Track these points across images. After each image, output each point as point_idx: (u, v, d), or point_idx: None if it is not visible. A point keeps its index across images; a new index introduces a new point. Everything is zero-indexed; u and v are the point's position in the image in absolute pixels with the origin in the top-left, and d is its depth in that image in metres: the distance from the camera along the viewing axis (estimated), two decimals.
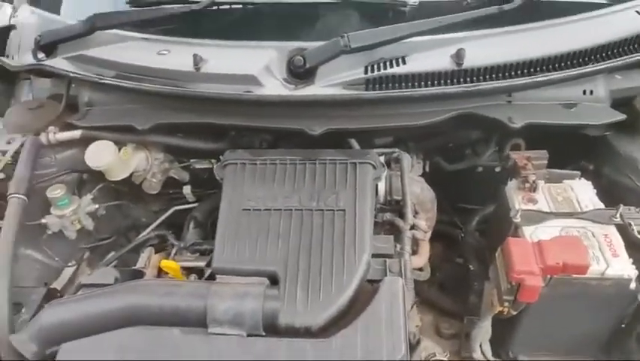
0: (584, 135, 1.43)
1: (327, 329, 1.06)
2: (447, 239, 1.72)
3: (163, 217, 1.69)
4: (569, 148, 1.46)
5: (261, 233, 1.19)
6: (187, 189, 1.75)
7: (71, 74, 1.45)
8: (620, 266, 1.08)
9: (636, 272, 1.09)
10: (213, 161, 1.70)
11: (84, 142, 1.49)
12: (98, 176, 1.56)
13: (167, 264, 1.27)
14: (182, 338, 1.05)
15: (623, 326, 1.20)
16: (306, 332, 1.06)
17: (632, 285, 1.09)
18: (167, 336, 1.05)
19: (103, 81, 1.41)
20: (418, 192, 1.42)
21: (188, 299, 1.10)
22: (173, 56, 1.41)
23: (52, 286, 1.45)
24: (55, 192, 1.45)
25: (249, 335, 1.06)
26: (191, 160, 1.71)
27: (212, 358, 1.01)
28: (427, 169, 1.62)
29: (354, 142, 1.45)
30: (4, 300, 1.18)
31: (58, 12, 1.70)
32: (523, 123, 1.32)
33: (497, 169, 1.60)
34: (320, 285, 1.10)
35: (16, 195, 1.32)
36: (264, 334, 1.06)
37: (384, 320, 1.03)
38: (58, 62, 1.49)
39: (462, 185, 1.67)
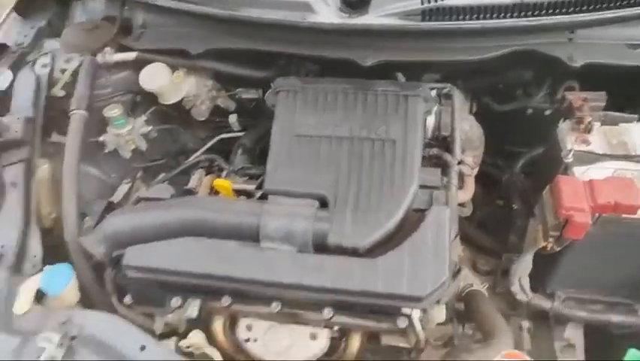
0: None
1: (374, 251, 1.11)
2: (488, 180, 1.72)
3: (210, 144, 1.73)
4: (629, 93, 1.41)
5: (312, 158, 1.22)
6: (233, 118, 1.79)
7: None
8: None
9: None
10: (259, 91, 1.73)
11: (138, 64, 1.53)
12: (151, 98, 1.61)
13: (220, 183, 1.33)
14: (238, 250, 1.12)
15: None
16: (354, 253, 1.11)
17: None
18: (223, 247, 1.12)
19: (156, 3, 1.41)
20: (467, 128, 1.42)
21: (242, 215, 1.16)
22: None
23: (110, 200, 1.54)
24: (113, 111, 1.51)
25: (298, 252, 1.12)
26: (238, 89, 1.74)
27: (266, 268, 1.07)
28: (475, 109, 1.61)
29: (400, 76, 1.45)
30: (73, 208, 1.27)
31: None
32: (583, 62, 1.28)
33: (547, 112, 1.57)
34: (368, 209, 1.14)
35: (78, 111, 1.38)
36: (312, 252, 1.12)
37: (430, 245, 1.07)
38: None
39: (509, 126, 1.64)
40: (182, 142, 1.86)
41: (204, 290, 1.17)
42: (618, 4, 1.29)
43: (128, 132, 1.57)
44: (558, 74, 1.47)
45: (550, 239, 1.14)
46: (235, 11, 1.39)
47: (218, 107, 1.75)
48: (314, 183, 1.20)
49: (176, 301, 1.17)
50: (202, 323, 1.19)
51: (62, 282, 1.18)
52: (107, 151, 1.59)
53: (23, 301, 1.15)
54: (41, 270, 1.20)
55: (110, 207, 1.47)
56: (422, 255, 1.06)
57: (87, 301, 1.24)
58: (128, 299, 1.21)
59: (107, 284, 1.22)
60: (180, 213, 1.18)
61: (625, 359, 1.03)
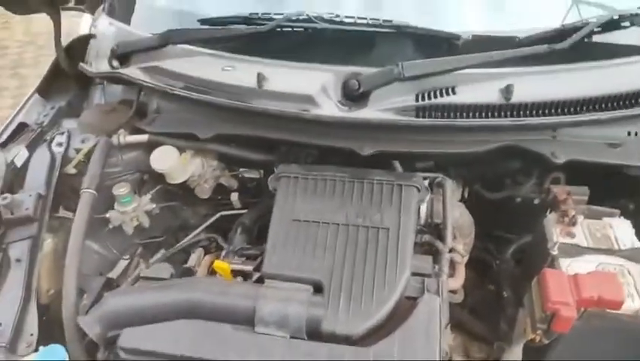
0: (625, 174, 1.46)
1: (366, 339, 1.13)
2: (480, 265, 1.76)
3: (210, 221, 1.79)
4: (610, 186, 1.49)
5: (309, 244, 1.28)
6: (234, 196, 1.85)
7: (145, 84, 1.58)
8: None
9: None
10: (261, 171, 1.82)
11: (149, 146, 1.62)
12: (158, 178, 1.69)
13: (220, 265, 1.37)
14: (232, 334, 1.14)
15: None
16: (346, 340, 1.13)
17: None
18: (219, 330, 1.14)
19: (175, 92, 1.53)
20: (458, 216, 1.48)
21: (239, 299, 1.19)
22: (237, 72, 1.53)
23: (109, 276, 1.57)
24: (121, 189, 1.58)
25: (291, 338, 1.14)
26: (241, 169, 1.82)
27: (259, 355, 1.09)
28: (466, 196, 1.68)
29: (397, 164, 1.53)
30: (73, 286, 1.30)
31: (128, 22, 1.86)
32: (566, 159, 1.37)
33: (536, 201, 1.63)
34: (362, 297, 1.17)
35: (89, 190, 1.45)
36: (305, 338, 1.14)
37: (421, 333, 1.09)
38: (133, 72, 1.63)
39: (499, 213, 1.70)
40: (182, 218, 1.92)
41: None
42: (597, 107, 1.40)
43: (133, 209, 1.63)
44: (544, 167, 1.56)
45: (539, 331, 1.16)
46: (243, 102, 1.50)
47: (220, 185, 1.82)
48: (310, 268, 1.24)
49: None
50: None
51: None
52: (110, 227, 1.64)
53: None
54: (36, 350, 1.21)
55: (108, 284, 1.50)
56: (413, 344, 1.08)
57: None
58: None
59: None
60: (178, 294, 1.21)
61: None
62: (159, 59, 1.63)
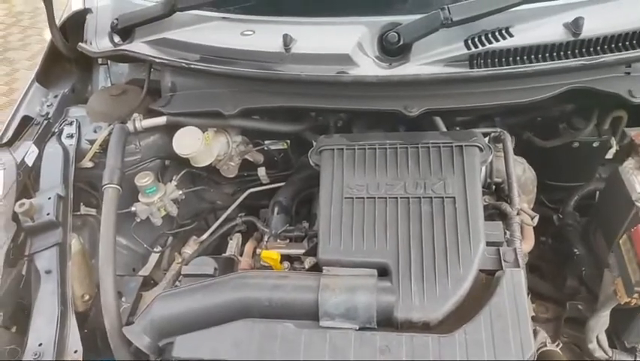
0: None
1: (445, 323, 1.02)
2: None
3: (240, 199, 1.66)
4: None
5: (367, 223, 1.14)
6: (262, 171, 1.72)
7: (157, 60, 1.41)
8: None
9: None
10: (287, 141, 1.67)
11: (168, 128, 1.47)
12: (181, 162, 1.55)
13: (269, 255, 1.25)
14: (297, 332, 1.03)
15: None
16: (424, 327, 1.02)
17: None
18: (282, 330, 1.03)
19: (190, 66, 1.36)
20: (520, 173, 1.35)
21: (297, 292, 1.08)
22: (258, 36, 1.35)
23: (145, 275, 1.47)
24: (144, 180, 1.45)
25: (360, 329, 1.03)
26: (267, 142, 1.67)
27: (333, 352, 0.98)
28: (513, 146, 1.53)
29: (439, 120, 1.38)
30: (112, 296, 1.18)
31: None
32: None
33: (595, 144, 1.50)
34: (435, 276, 1.05)
35: (112, 186, 1.31)
36: (376, 327, 1.03)
37: (509, 313, 0.98)
38: (140, 47, 1.45)
39: (555, 162, 1.57)
40: (209, 200, 1.79)
41: None
42: None
43: (159, 199, 1.50)
44: (605, 105, 1.40)
45: (636, 295, 1.05)
46: (272, 70, 1.33)
47: (245, 160, 1.68)
48: (371, 250, 1.12)
49: None
50: None
51: None
52: (138, 220, 1.51)
53: None
54: None
55: (145, 283, 1.40)
56: (502, 325, 0.97)
57: None
58: None
59: None
60: (231, 293, 1.10)
61: None
62: (167, 29, 1.45)
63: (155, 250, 1.63)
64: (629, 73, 1.28)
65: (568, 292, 1.45)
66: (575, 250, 1.41)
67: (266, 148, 1.69)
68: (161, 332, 1.10)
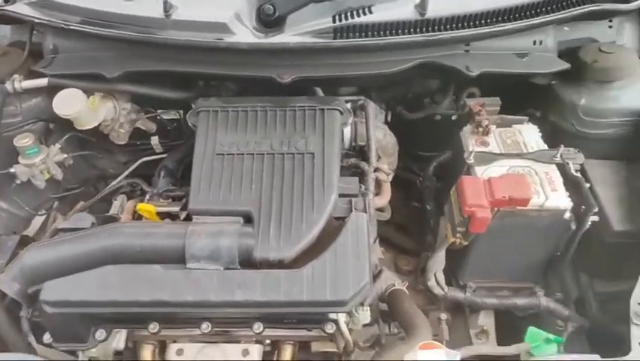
0: (532, 84, 1.54)
1: (299, 261, 1.15)
2: (406, 185, 1.83)
3: (132, 168, 1.71)
4: (519, 96, 1.57)
5: (235, 176, 1.25)
6: (155, 140, 1.77)
7: (36, 20, 1.42)
8: (557, 199, 1.22)
9: (571, 204, 1.23)
10: (180, 111, 1.73)
11: (50, 90, 1.49)
12: (66, 125, 1.57)
13: (144, 207, 1.32)
14: (163, 273, 1.11)
15: (558, 254, 1.35)
16: (280, 265, 1.14)
17: (567, 215, 1.24)
18: (149, 272, 1.11)
19: (69, 27, 1.39)
20: (381, 137, 1.51)
21: (167, 239, 1.16)
22: (140, 1, 1.41)
23: (24, 234, 1.48)
24: (24, 140, 1.46)
25: (225, 270, 1.14)
26: (159, 111, 1.73)
27: (195, 289, 1.08)
28: (389, 119, 1.72)
29: (319, 90, 1.52)
30: None
31: None
32: (479, 71, 1.42)
33: (454, 117, 1.70)
34: (291, 222, 1.18)
35: None
36: (239, 268, 1.15)
37: (350, 250, 1.13)
38: (21, 8, 1.46)
39: (421, 133, 1.77)
40: (101, 168, 1.82)
41: (130, 319, 1.15)
42: (505, 18, 1.44)
43: (41, 161, 1.51)
44: (460, 83, 1.61)
45: (458, 235, 1.24)
46: (151, 34, 1.39)
47: (138, 129, 1.72)
48: (237, 200, 1.23)
49: (100, 334, 1.15)
50: (130, 353, 1.18)
51: None
52: (18, 182, 1.52)
53: None
54: None
55: (24, 242, 1.40)
56: (343, 260, 1.11)
57: (3, 344, 1.18)
58: (47, 338, 1.15)
59: (23, 324, 1.17)
60: (102, 241, 1.16)
61: (525, 337, 1.14)
62: None
63: (39, 213, 1.63)
64: (467, 51, 1.48)
65: (427, 246, 1.64)
66: (427, 207, 1.61)
67: (158, 117, 1.74)
68: (31, 279, 1.14)
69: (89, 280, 1.10)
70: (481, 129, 1.39)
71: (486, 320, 1.42)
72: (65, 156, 1.60)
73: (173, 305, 1.09)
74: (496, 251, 1.33)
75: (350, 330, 1.17)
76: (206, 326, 1.13)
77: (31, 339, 1.16)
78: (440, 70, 1.45)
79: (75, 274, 1.11)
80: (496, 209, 1.19)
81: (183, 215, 1.38)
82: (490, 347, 1.32)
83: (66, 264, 1.14)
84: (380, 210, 1.50)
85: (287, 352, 1.20)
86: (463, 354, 1.08)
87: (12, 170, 1.48)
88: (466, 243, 1.26)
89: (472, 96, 1.63)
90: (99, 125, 1.59)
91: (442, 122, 1.72)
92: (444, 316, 1.42)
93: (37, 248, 1.19)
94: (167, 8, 1.36)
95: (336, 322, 1.13)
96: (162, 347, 1.20)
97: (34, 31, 1.54)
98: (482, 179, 1.22)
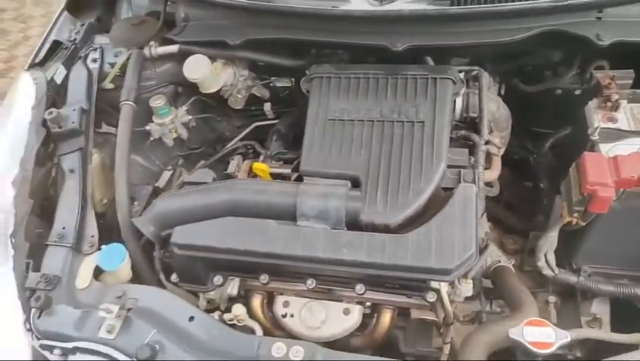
0: None
1: (404, 228, 1.18)
2: (516, 163, 1.75)
3: (246, 131, 1.83)
4: None
5: (345, 141, 1.30)
6: (267, 106, 1.87)
7: None
8: None
9: None
10: (292, 79, 1.81)
11: (181, 56, 1.62)
12: (191, 89, 1.71)
13: (259, 166, 1.42)
14: (276, 227, 1.20)
15: None
16: (385, 229, 1.17)
17: None
18: (263, 225, 1.21)
19: None
20: (494, 109, 1.46)
21: (279, 196, 1.24)
22: None
23: (155, 185, 1.66)
24: (157, 101, 1.62)
25: (332, 229, 1.19)
26: (272, 78, 1.82)
27: (304, 244, 1.15)
28: (503, 92, 1.64)
29: (429, 60, 1.49)
30: (125, 193, 1.39)
31: None
32: (611, 41, 1.30)
33: (577, 92, 1.58)
34: (398, 188, 1.20)
35: (127, 103, 1.50)
36: (345, 229, 1.19)
37: (457, 220, 1.12)
38: None
39: (538, 108, 1.67)
40: (219, 130, 1.96)
41: (244, 268, 1.26)
42: None
43: (171, 121, 1.67)
44: (587, 54, 1.49)
45: (576, 214, 1.18)
46: (269, 2, 1.46)
47: (253, 95, 1.83)
48: (347, 164, 1.27)
49: (217, 279, 1.27)
50: (242, 300, 1.29)
51: (117, 260, 1.27)
52: (151, 139, 1.70)
53: (84, 276, 1.27)
54: (98, 249, 1.31)
55: (156, 192, 1.58)
56: (450, 229, 1.11)
57: (138, 278, 1.34)
58: (174, 277, 1.30)
59: (156, 263, 1.33)
60: (222, 195, 1.27)
61: None
62: None
63: (167, 168, 1.82)
64: (600, 18, 1.36)
65: (537, 225, 1.57)
66: (541, 185, 1.53)
67: (272, 84, 1.84)
68: (164, 223, 1.30)
69: (211, 229, 1.22)
70: (609, 104, 1.29)
71: (600, 308, 1.33)
72: (190, 117, 1.75)
73: (283, 258, 1.17)
74: (617, 235, 1.24)
75: (451, 301, 1.17)
76: (311, 282, 1.20)
77: (162, 277, 1.32)
78: (566, 39, 1.35)
79: (201, 222, 1.24)
80: (622, 190, 1.11)
81: (294, 176, 1.46)
82: (604, 333, 1.24)
83: (192, 213, 1.27)
84: (489, 184, 1.46)
85: (386, 316, 1.24)
86: (573, 336, 1.04)
87: (147, 127, 1.66)
88: (583, 223, 1.19)
89: (600, 69, 1.50)
90: (220, 89, 1.71)
91: (563, 97, 1.61)
92: (552, 298, 1.36)
93: (168, 197, 1.34)
94: None
95: (437, 291, 1.15)
96: (270, 298, 1.30)
97: (169, 2, 1.68)
98: (607, 157, 1.14)
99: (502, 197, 1.64)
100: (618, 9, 1.35)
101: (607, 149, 1.21)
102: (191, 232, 1.23)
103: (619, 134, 1.23)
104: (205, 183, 1.38)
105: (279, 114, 1.87)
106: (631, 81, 1.35)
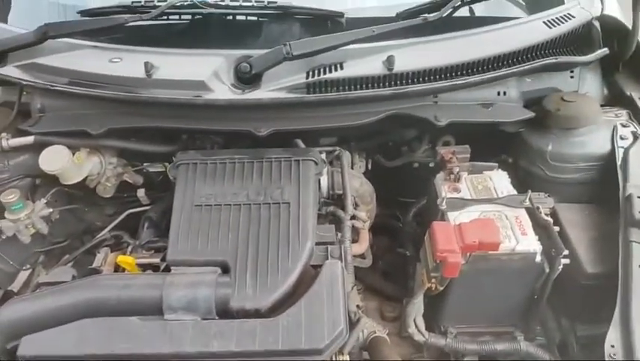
0: (503, 132, 1.61)
1: (275, 310, 1.17)
2: (391, 231, 1.86)
3: (117, 220, 1.74)
4: (491, 144, 1.64)
5: (212, 226, 1.29)
6: (141, 192, 1.81)
7: (24, 82, 1.50)
8: (527, 243, 1.25)
9: (541, 247, 1.26)
10: (166, 164, 1.78)
11: (37, 148, 1.53)
12: (52, 180, 1.60)
13: (124, 259, 1.34)
14: (140, 325, 1.12)
15: (535, 297, 1.37)
16: (256, 314, 1.16)
17: (538, 258, 1.26)
18: (126, 324, 1.13)
19: (56, 88, 1.46)
20: (358, 186, 1.56)
21: (144, 290, 1.18)
22: (125, 63, 1.49)
23: (8, 289, 1.49)
24: (9, 196, 1.49)
25: (203, 320, 1.15)
26: (145, 164, 1.78)
27: (171, 341, 1.09)
28: (370, 167, 1.77)
29: (299, 142, 1.58)
30: None
31: (5, 20, 1.75)
32: (447, 121, 1.49)
33: (431, 165, 1.75)
34: (267, 270, 1.21)
35: None
36: (217, 318, 1.16)
37: (325, 297, 1.14)
38: (11, 70, 1.53)
39: (401, 180, 1.82)
40: (88, 221, 1.84)
41: None
42: (469, 71, 1.52)
43: (26, 216, 1.54)
44: (433, 132, 1.67)
45: (433, 280, 1.26)
46: (133, 93, 1.46)
47: (125, 182, 1.77)
48: (215, 250, 1.25)
49: None
50: None
51: None
52: (4, 237, 1.54)
53: None
54: None
55: (7, 297, 1.42)
56: (318, 308, 1.13)
57: None
58: None
59: None
60: (80, 294, 1.18)
61: None
62: (38, 55, 1.54)
63: (24, 268, 1.65)
64: (436, 102, 1.56)
65: (409, 291, 1.65)
66: (407, 253, 1.63)
67: (144, 170, 1.79)
68: (10, 334, 1.15)
69: (66, 335, 1.11)
70: (452, 176, 1.44)
71: None
72: (51, 210, 1.63)
73: (149, 358, 1.09)
74: (472, 295, 1.35)
75: None
76: None
77: None
78: (411, 120, 1.52)
79: (53, 328, 1.13)
80: (468, 254, 1.22)
81: (163, 266, 1.40)
82: None
83: (44, 318, 1.15)
84: (360, 256, 1.52)
85: None
86: None
87: None
88: (441, 288, 1.28)
89: (447, 144, 1.69)
90: (85, 179, 1.63)
91: (420, 170, 1.78)
92: None
93: (16, 303, 1.20)
94: (149, 69, 1.44)
95: None
96: None
97: (24, 92, 1.60)
98: (453, 224, 1.26)
99: (378, 266, 1.72)
100: (450, 94, 1.55)
101: (454, 217, 1.34)
102: (42, 341, 1.11)
103: (463, 203, 1.38)
104: (63, 282, 1.28)
105: (155, 200, 1.82)
106: (468, 155, 1.54)
